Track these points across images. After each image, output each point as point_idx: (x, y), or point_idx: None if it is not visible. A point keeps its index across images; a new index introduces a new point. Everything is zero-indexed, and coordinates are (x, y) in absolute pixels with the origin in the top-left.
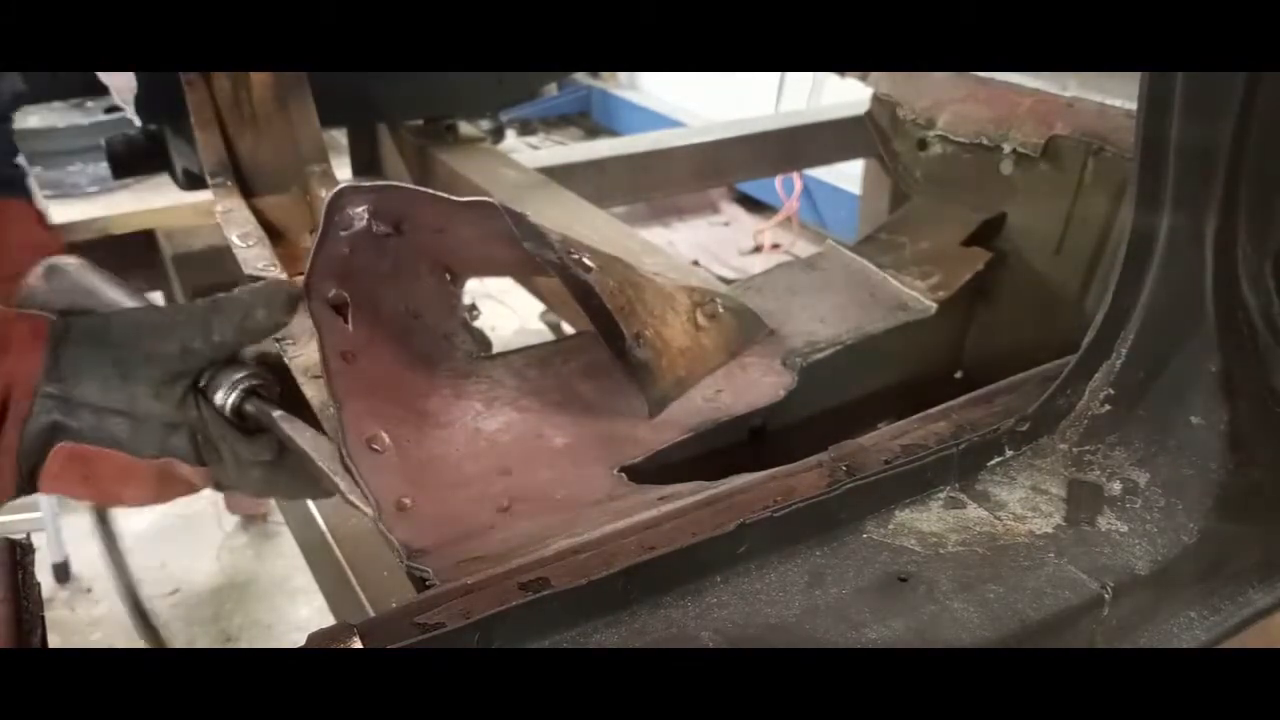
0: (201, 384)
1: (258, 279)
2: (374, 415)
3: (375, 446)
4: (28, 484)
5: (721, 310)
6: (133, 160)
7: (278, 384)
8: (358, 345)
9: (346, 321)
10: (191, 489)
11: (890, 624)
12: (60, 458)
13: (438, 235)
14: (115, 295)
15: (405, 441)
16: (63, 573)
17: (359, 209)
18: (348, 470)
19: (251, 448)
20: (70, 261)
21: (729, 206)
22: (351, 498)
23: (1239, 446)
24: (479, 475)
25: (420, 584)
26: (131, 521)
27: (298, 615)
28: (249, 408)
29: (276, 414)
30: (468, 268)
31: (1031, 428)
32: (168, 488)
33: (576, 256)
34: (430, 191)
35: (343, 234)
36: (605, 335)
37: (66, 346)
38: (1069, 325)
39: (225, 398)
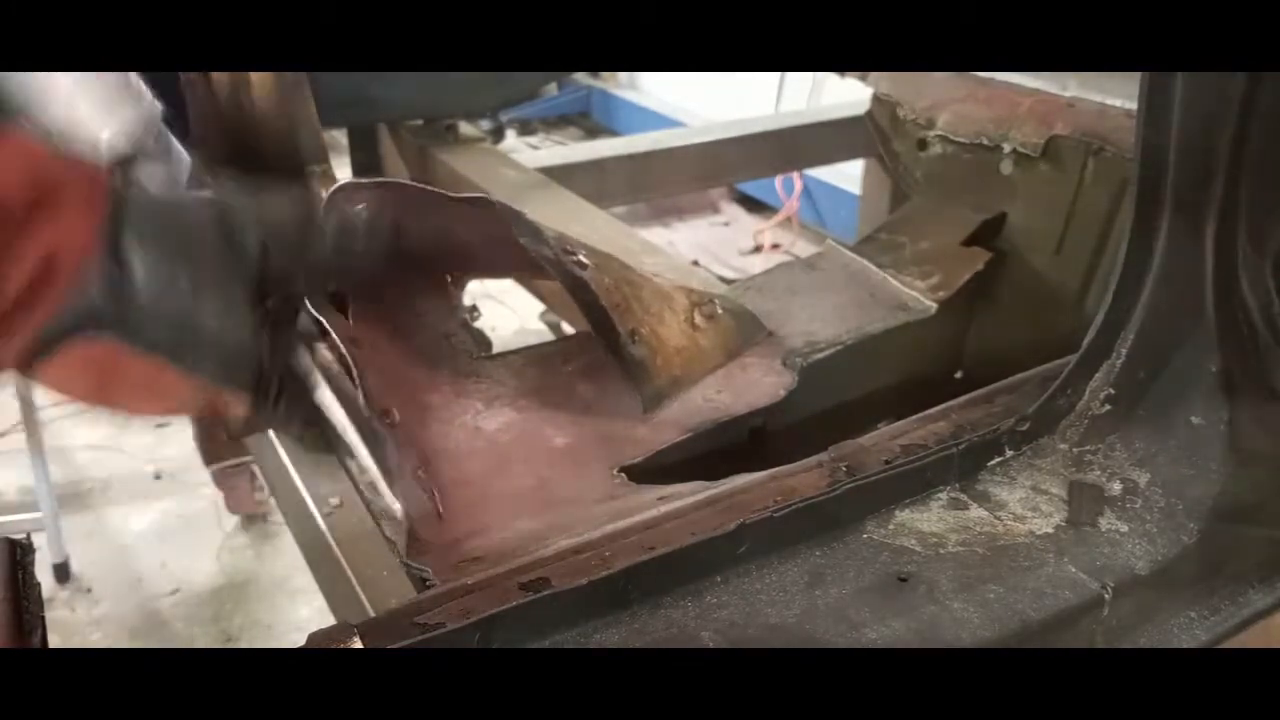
0: None
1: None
2: (385, 393)
3: (388, 420)
4: (22, 368)
5: (720, 311)
6: None
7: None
8: (360, 336)
9: (347, 317)
10: (206, 412)
11: (890, 624)
12: (87, 354)
13: (438, 235)
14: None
15: (411, 428)
16: (63, 573)
17: (358, 206)
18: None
19: (302, 407)
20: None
21: (729, 206)
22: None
23: (1239, 446)
24: (479, 474)
25: (420, 584)
26: (131, 521)
27: (298, 615)
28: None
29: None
30: (468, 268)
31: (1031, 428)
32: (192, 408)
33: (573, 253)
34: (428, 188)
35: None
36: (600, 331)
37: (127, 223)
38: (1069, 325)
39: None
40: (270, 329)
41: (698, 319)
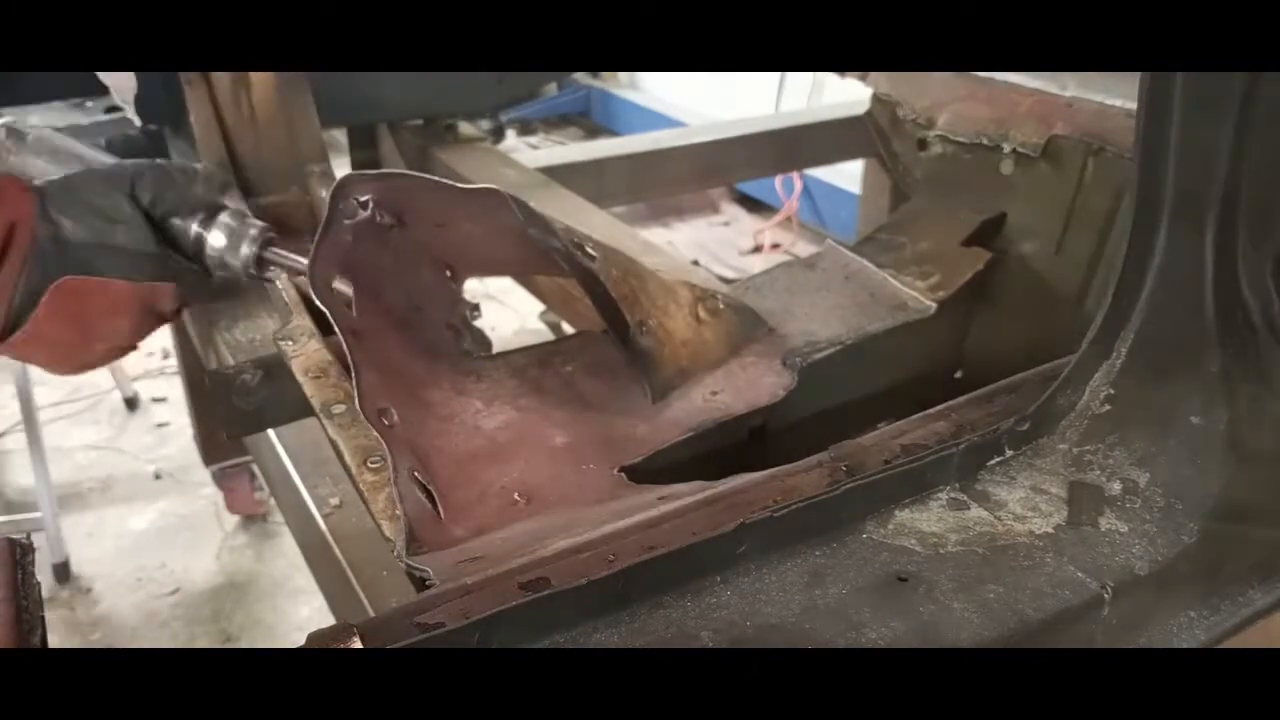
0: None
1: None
2: (384, 391)
3: (385, 420)
4: (12, 328)
5: (722, 306)
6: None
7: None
8: (363, 328)
9: (350, 307)
10: (162, 322)
11: (890, 624)
12: (55, 296)
13: (440, 230)
14: (80, 151)
15: (410, 425)
16: (63, 573)
17: (363, 198)
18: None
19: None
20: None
21: (729, 206)
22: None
23: (1239, 446)
24: (478, 473)
25: (420, 584)
26: (131, 521)
27: (298, 615)
28: (268, 255)
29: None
30: (469, 265)
31: (1031, 428)
32: (145, 321)
33: (580, 246)
34: (435, 179)
35: (346, 222)
36: (609, 321)
37: (50, 198)
38: (1069, 325)
39: (249, 249)
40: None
41: (701, 313)
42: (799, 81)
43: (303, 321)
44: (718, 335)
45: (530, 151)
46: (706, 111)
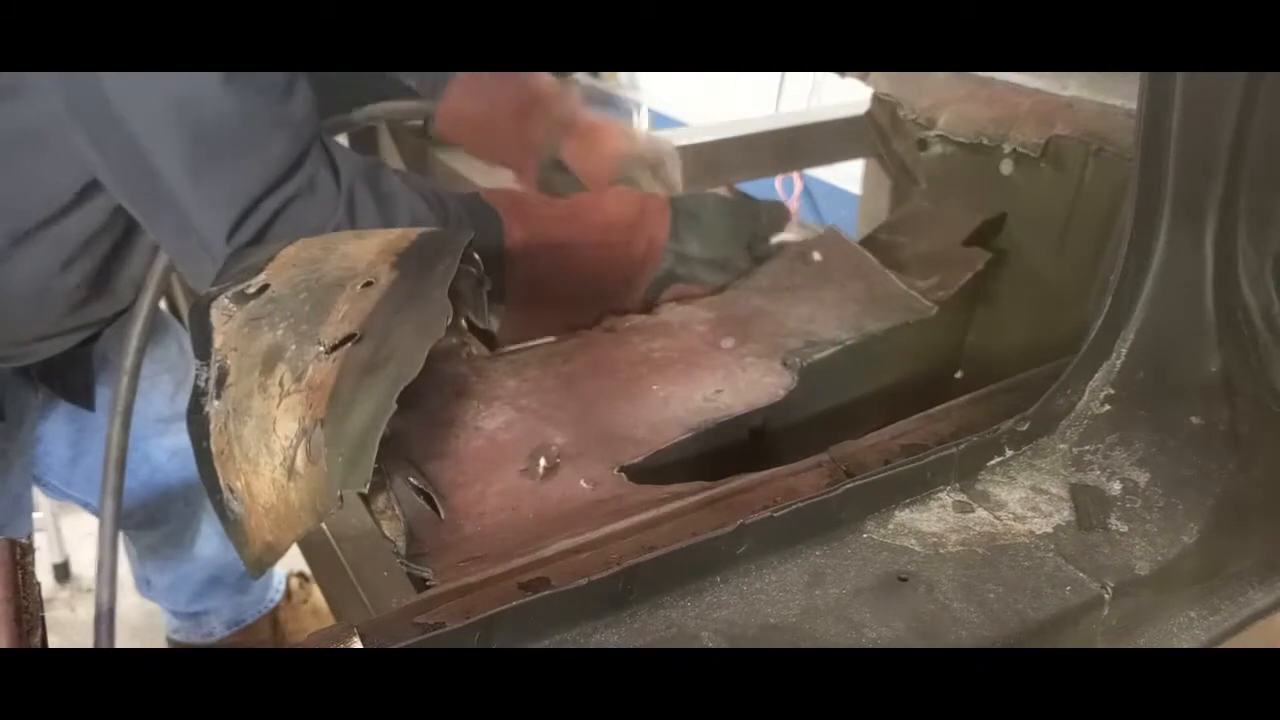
0: None
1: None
2: None
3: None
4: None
5: (324, 452)
6: None
7: None
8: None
9: None
10: None
11: (890, 624)
12: (670, 295)
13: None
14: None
15: (410, 427)
16: (63, 573)
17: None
18: None
19: None
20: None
21: None
22: None
23: (1239, 446)
24: (478, 474)
25: (420, 584)
26: None
27: None
28: None
29: None
30: None
31: (1031, 428)
32: None
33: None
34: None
35: None
36: (207, 486)
37: (677, 218)
38: (1069, 325)
39: None
40: None
41: (298, 461)
42: (799, 81)
43: None
44: (303, 496)
45: None
46: (706, 111)
